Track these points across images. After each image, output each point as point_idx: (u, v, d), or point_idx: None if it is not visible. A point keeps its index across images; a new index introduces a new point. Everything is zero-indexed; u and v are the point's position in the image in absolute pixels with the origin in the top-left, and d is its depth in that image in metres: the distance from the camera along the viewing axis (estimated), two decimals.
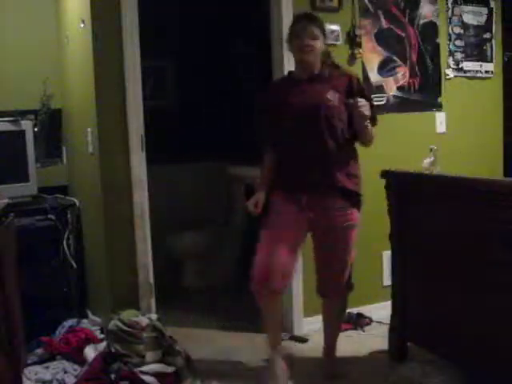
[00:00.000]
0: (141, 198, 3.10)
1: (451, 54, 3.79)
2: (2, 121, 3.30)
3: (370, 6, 3.49)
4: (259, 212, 2.66)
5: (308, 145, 2.58)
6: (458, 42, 3.81)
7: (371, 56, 3.52)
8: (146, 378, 2.61)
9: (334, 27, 3.36)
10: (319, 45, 2.61)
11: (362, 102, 2.54)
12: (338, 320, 2.92)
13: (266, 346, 2.78)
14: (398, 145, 3.54)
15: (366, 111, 2.55)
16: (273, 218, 2.66)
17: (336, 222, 2.61)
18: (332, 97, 2.58)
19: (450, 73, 3.78)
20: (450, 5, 3.77)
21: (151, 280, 3.16)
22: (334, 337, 2.89)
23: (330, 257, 2.70)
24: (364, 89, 2.74)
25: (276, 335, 2.79)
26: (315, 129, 2.56)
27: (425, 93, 3.70)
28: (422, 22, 3.67)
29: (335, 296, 2.79)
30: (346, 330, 3.36)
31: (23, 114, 3.47)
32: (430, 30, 3.71)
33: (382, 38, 3.54)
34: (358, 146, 2.75)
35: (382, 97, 3.56)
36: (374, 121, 2.67)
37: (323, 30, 2.65)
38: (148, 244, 3.15)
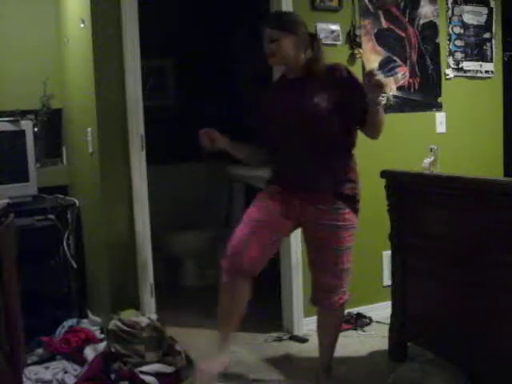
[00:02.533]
0: (141, 197, 3.10)
1: (451, 53, 3.79)
2: (2, 121, 3.30)
3: (370, 5, 3.49)
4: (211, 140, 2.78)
5: (296, 148, 2.48)
6: (458, 42, 3.81)
7: (371, 56, 3.52)
8: (145, 378, 2.62)
9: (334, 27, 3.37)
10: (283, 44, 2.44)
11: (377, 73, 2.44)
12: (333, 334, 2.69)
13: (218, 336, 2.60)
14: (398, 145, 3.54)
15: (381, 81, 2.32)
16: (261, 202, 2.56)
17: (325, 220, 2.47)
18: (319, 99, 2.41)
19: (450, 73, 3.78)
20: (450, 5, 3.77)
21: (151, 280, 3.16)
22: (329, 354, 2.69)
23: (321, 256, 2.52)
24: (356, 78, 2.50)
25: (228, 325, 2.58)
26: (301, 133, 2.45)
27: (425, 93, 3.70)
28: (421, 22, 3.67)
29: (328, 304, 2.56)
30: (346, 329, 3.37)
31: (23, 113, 3.47)
32: (430, 30, 3.71)
33: (382, 38, 3.54)
34: (357, 148, 2.72)
35: (382, 97, 3.55)
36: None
37: (284, 27, 2.45)
38: (148, 244, 3.15)
